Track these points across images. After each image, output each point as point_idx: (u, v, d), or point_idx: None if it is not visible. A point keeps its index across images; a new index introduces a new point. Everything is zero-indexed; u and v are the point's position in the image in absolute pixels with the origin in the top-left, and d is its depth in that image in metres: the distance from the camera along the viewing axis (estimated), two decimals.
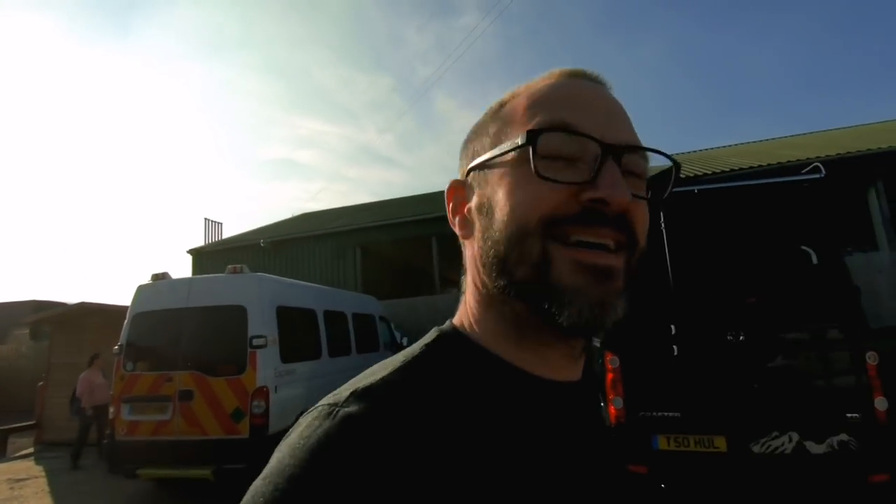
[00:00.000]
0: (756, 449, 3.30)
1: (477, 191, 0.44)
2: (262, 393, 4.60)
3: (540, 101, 0.42)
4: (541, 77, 0.45)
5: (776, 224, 3.76)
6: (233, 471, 4.41)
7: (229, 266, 5.06)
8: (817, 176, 3.63)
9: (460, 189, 0.47)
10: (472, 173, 0.45)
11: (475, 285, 0.45)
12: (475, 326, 0.44)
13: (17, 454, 7.63)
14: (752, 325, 3.44)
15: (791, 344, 3.45)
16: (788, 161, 8.89)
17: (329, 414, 0.35)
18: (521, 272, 0.38)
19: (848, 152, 8.80)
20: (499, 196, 0.41)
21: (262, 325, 4.76)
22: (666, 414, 3.49)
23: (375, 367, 0.42)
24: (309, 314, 5.79)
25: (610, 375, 3.64)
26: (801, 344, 3.44)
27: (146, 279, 5.23)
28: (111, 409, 4.87)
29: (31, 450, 7.86)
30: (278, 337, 4.91)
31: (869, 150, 8.71)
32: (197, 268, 12.53)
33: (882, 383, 3.23)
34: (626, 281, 0.39)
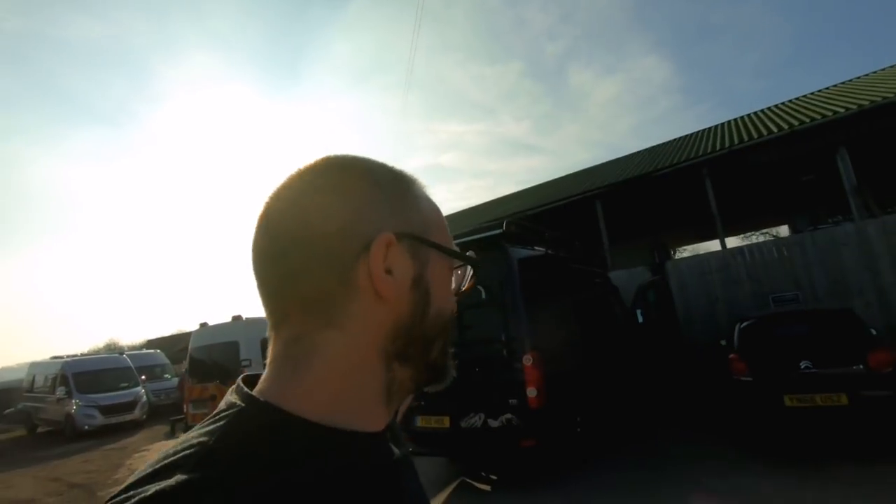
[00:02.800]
0: (463, 424, 4.89)
1: (413, 263, 0.45)
2: None
3: (443, 225, 0.51)
4: (423, 186, 0.51)
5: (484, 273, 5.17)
6: None
7: (233, 315, 8.07)
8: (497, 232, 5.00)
9: (398, 247, 0.44)
10: (407, 239, 0.45)
11: (368, 346, 0.43)
12: (318, 389, 0.41)
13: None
14: (467, 343, 4.99)
15: (484, 352, 4.91)
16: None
17: None
18: (435, 353, 0.48)
19: (813, 119, 8.39)
20: (437, 290, 0.48)
21: (247, 352, 7.62)
22: (420, 403, 5.25)
23: (180, 447, 0.37)
24: None
25: None
26: (488, 351, 4.88)
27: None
28: (185, 406, 8.25)
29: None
30: (261, 359, 7.72)
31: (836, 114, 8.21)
32: None
33: (534, 377, 4.56)
34: None
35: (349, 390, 0.43)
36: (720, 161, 8.98)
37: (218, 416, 0.40)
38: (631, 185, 9.94)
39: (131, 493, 0.33)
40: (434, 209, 0.50)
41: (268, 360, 0.44)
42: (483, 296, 4.96)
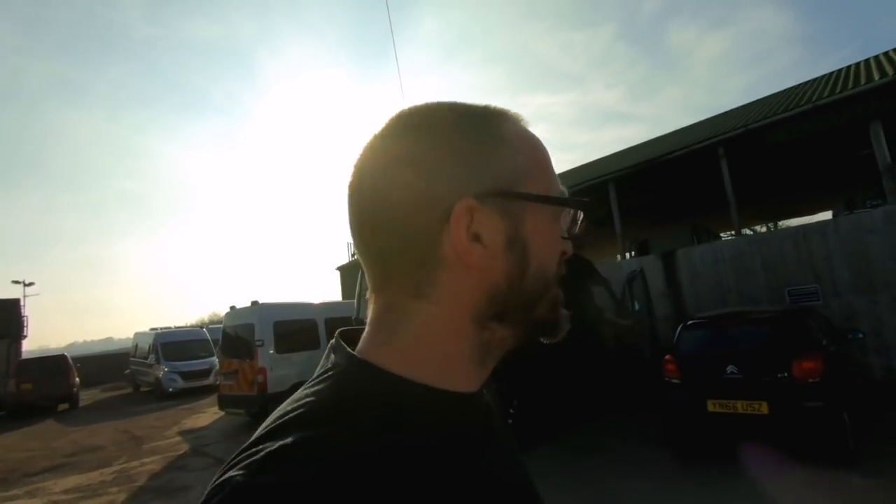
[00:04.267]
0: None
1: (504, 223, 0.42)
2: (262, 371, 8.45)
3: (545, 164, 0.46)
4: (518, 120, 0.47)
5: None
6: (252, 413, 8.47)
7: (252, 300, 9.11)
8: None
9: (477, 211, 0.41)
10: (493, 198, 0.42)
11: (458, 313, 0.42)
12: (411, 351, 0.42)
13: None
14: None
15: None
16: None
17: (239, 489, 0.32)
18: (541, 310, 0.45)
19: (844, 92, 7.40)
20: (538, 245, 0.43)
21: (261, 333, 8.62)
22: None
23: (285, 412, 0.39)
24: (308, 322, 9.42)
25: None
26: None
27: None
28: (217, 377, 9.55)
29: None
30: (273, 339, 8.70)
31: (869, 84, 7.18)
32: (344, 279, 17.78)
33: None
34: None
35: (439, 353, 0.42)
36: (735, 141, 8.24)
37: (322, 377, 0.42)
38: (642, 169, 9.46)
39: (253, 450, 0.35)
40: (530, 148, 0.45)
41: (368, 321, 0.45)
42: None
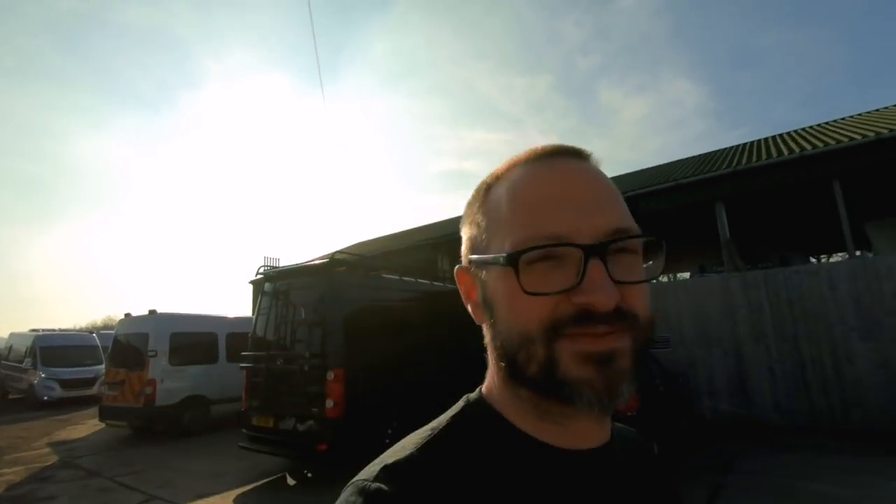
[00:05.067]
0: (282, 425, 5.61)
1: (478, 285, 0.46)
2: (152, 382, 8.28)
3: (521, 201, 0.43)
4: (524, 154, 0.47)
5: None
6: (135, 426, 8.22)
7: (149, 309, 8.94)
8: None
9: (466, 276, 0.48)
10: (470, 265, 0.48)
11: (495, 363, 0.46)
12: (500, 398, 0.46)
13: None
14: (291, 355, 5.71)
15: (297, 366, 5.62)
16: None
17: (361, 490, 0.40)
18: (531, 371, 0.41)
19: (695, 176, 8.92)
20: (498, 302, 0.44)
21: (155, 343, 8.46)
22: (255, 403, 5.97)
23: (407, 439, 0.46)
24: (209, 335, 9.35)
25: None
26: (304, 364, 5.58)
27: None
28: (102, 387, 9.16)
29: None
30: (168, 350, 8.56)
31: (713, 172, 8.73)
32: (256, 294, 17.41)
33: (334, 390, 5.26)
34: (634, 358, 0.40)
35: (505, 399, 0.46)
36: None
37: (461, 400, 0.49)
38: None
39: (381, 460, 0.43)
40: (497, 209, 0.45)
41: None
42: (303, 314, 5.71)
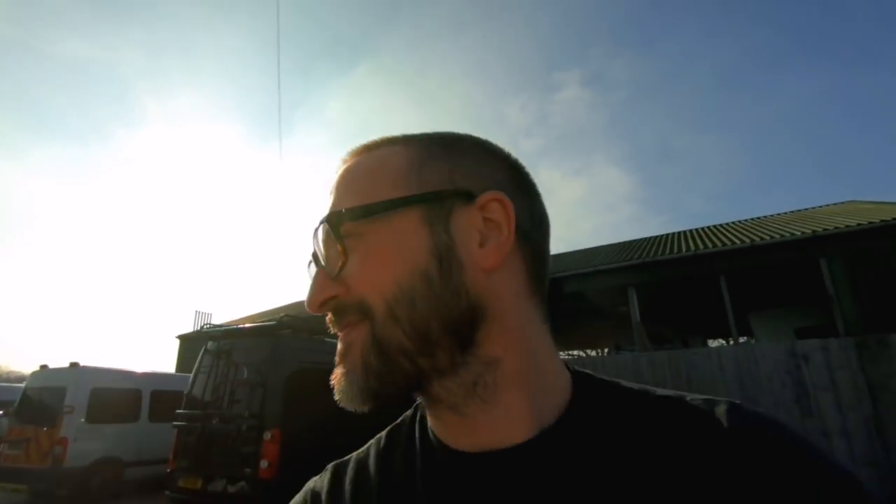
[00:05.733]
0: (211, 487, 5.61)
1: None
2: (63, 441, 7.79)
3: None
4: None
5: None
6: (37, 490, 7.61)
7: (71, 361, 8.57)
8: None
9: None
10: None
11: None
12: None
13: None
14: (228, 414, 5.84)
15: (233, 425, 5.75)
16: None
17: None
18: None
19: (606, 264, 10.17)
20: None
21: (73, 398, 8.06)
22: (183, 464, 5.92)
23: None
24: (133, 392, 9.00)
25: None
26: (241, 423, 5.72)
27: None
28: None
29: None
30: (87, 406, 8.15)
31: (628, 262, 10.03)
32: (183, 350, 16.76)
33: (269, 451, 5.41)
34: (371, 347, 0.38)
35: None
36: None
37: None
38: None
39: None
40: None
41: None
42: (245, 374, 5.92)
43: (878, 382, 6.79)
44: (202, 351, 6.57)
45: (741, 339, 10.08)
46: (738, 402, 0.39)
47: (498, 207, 0.39)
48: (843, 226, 8.73)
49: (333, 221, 0.40)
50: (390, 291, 0.38)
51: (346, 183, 0.42)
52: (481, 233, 0.39)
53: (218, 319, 18.70)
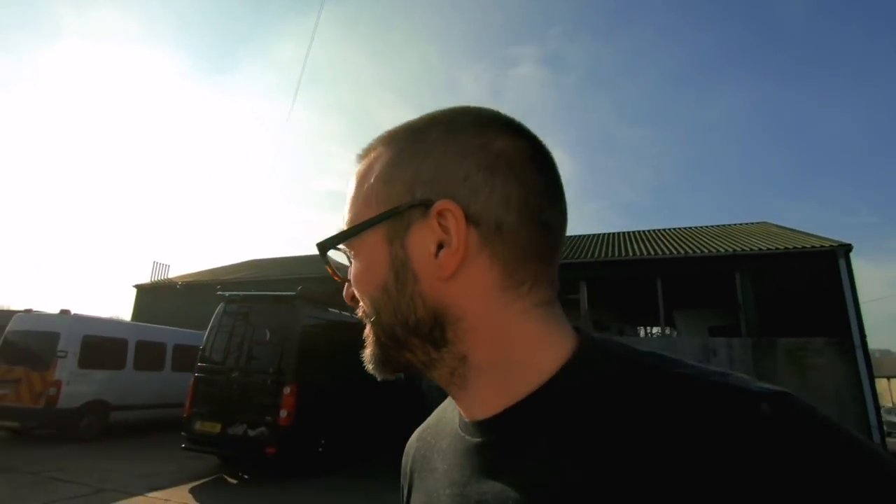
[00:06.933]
0: (230, 431, 6.47)
1: None
2: (57, 383, 8.18)
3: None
4: None
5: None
6: (30, 427, 8.01)
7: (61, 308, 8.82)
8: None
9: None
10: None
11: None
12: None
13: None
14: (250, 369, 6.68)
15: (256, 379, 6.63)
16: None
17: None
18: None
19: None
20: None
21: (67, 344, 8.40)
22: (200, 410, 6.70)
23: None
24: (119, 341, 9.40)
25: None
26: (263, 378, 6.60)
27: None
28: None
29: None
30: (79, 352, 8.53)
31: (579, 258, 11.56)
32: (140, 299, 16.71)
33: (287, 402, 6.34)
34: (376, 342, 0.45)
35: None
36: None
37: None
38: None
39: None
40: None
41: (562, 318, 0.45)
42: (268, 336, 6.76)
43: (765, 376, 8.76)
44: (219, 311, 7.26)
45: (667, 331, 12.01)
46: (792, 394, 0.33)
47: (450, 216, 0.40)
48: (756, 248, 10.71)
49: (325, 246, 0.45)
50: (368, 301, 0.44)
51: (348, 199, 0.47)
52: (440, 240, 0.40)
53: (175, 271, 18.60)
